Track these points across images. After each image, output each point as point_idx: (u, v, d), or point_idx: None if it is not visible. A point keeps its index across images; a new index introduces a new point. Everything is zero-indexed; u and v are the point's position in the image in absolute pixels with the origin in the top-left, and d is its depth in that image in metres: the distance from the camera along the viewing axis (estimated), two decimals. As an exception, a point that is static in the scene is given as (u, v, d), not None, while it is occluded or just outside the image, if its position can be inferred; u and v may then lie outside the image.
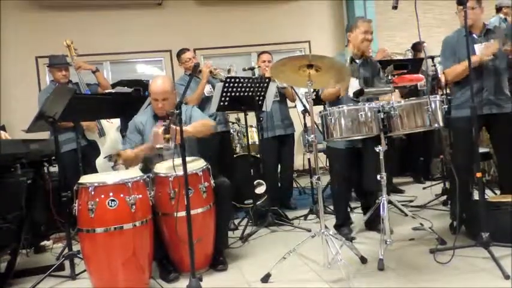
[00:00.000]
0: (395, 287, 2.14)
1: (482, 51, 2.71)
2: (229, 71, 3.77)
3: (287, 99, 4.12)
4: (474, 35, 2.80)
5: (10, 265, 2.68)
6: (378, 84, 2.97)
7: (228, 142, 4.22)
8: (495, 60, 2.73)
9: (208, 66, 3.78)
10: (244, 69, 3.78)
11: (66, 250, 2.71)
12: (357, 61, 3.03)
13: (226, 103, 3.48)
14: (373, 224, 3.02)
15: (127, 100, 3.34)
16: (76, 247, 2.69)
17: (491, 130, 2.90)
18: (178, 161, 2.25)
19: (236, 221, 3.58)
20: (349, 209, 3.38)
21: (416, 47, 4.71)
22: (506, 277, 2.07)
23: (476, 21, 2.77)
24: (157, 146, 2.50)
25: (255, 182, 3.59)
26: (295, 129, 4.20)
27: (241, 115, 4.06)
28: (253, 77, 3.54)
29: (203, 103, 3.79)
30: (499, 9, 4.72)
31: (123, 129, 3.67)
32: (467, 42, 2.35)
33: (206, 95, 3.83)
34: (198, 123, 2.75)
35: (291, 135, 4.14)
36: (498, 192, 3.18)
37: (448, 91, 3.60)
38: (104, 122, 3.76)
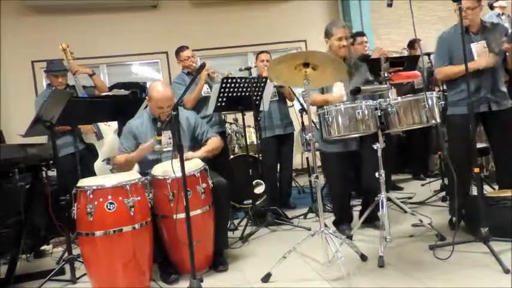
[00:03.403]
0: (395, 283, 2.15)
1: (477, 62, 2.69)
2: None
3: (286, 98, 4.13)
4: (471, 33, 2.80)
5: (10, 270, 2.67)
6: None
7: (224, 143, 4.20)
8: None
9: (207, 68, 3.77)
10: (240, 70, 3.78)
11: (66, 254, 2.70)
12: None
13: (223, 103, 3.48)
14: (370, 220, 3.02)
15: (124, 103, 3.34)
16: (76, 251, 2.68)
17: (488, 127, 2.90)
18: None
19: (236, 222, 3.59)
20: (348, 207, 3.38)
21: (412, 44, 4.72)
22: (506, 271, 2.08)
23: (473, 19, 2.77)
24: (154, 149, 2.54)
25: (253, 182, 3.59)
26: (294, 128, 4.20)
27: (239, 115, 4.06)
28: (250, 77, 3.54)
29: (200, 103, 3.79)
30: (491, 7, 4.74)
31: (120, 132, 3.67)
32: (463, 43, 2.35)
33: (203, 95, 3.83)
34: (208, 149, 2.84)
35: (290, 134, 4.14)
36: (496, 187, 3.19)
37: (445, 87, 3.60)
38: (101, 125, 3.75)
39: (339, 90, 2.85)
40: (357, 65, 3.10)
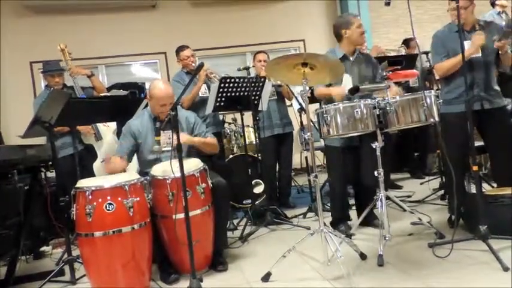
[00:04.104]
0: (395, 282, 2.15)
1: (470, 48, 2.69)
2: None
3: (285, 98, 4.13)
4: (465, 31, 2.80)
5: (10, 272, 2.67)
6: (377, 79, 2.99)
7: (221, 144, 4.18)
8: (485, 56, 2.74)
9: (205, 69, 3.78)
10: (239, 69, 3.78)
11: (66, 255, 2.71)
12: (351, 58, 3.03)
13: (222, 103, 3.48)
14: (369, 219, 3.02)
15: (123, 103, 3.34)
16: (76, 252, 2.68)
17: (482, 126, 2.90)
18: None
19: (235, 221, 3.58)
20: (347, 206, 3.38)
21: (408, 42, 4.73)
22: (505, 269, 2.08)
23: (467, 18, 2.78)
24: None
25: (253, 182, 3.59)
26: (293, 127, 4.21)
27: (238, 115, 4.06)
28: (249, 76, 3.54)
29: (198, 105, 3.80)
30: (493, 4, 4.77)
31: (119, 132, 3.66)
32: (461, 40, 2.35)
33: (200, 95, 3.83)
34: (207, 140, 2.87)
35: (289, 133, 4.14)
36: (495, 185, 3.19)
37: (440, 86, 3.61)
38: (100, 125, 3.74)
39: (347, 83, 2.83)
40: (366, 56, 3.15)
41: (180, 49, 4.00)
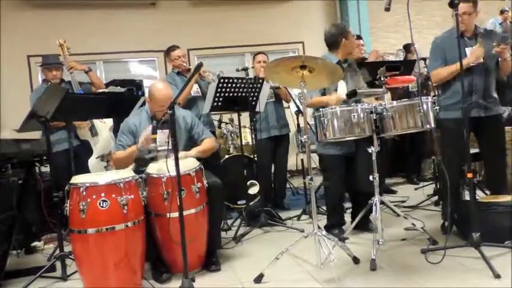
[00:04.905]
0: (387, 287, 2.16)
1: (469, 58, 2.71)
2: (218, 76, 3.75)
3: (282, 100, 4.13)
4: (465, 38, 2.82)
5: (0, 266, 2.65)
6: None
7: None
8: (485, 62, 2.75)
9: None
10: (237, 70, 3.78)
11: (58, 251, 2.69)
12: (344, 66, 3.04)
13: (219, 103, 3.47)
14: (363, 224, 3.03)
15: (120, 100, 3.33)
16: (68, 248, 2.66)
17: (479, 133, 2.91)
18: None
19: (229, 222, 3.58)
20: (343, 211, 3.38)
21: (408, 48, 4.76)
22: (497, 276, 2.09)
23: (469, 25, 2.80)
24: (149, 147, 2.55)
25: (248, 183, 3.59)
26: (290, 129, 4.21)
27: (235, 115, 4.05)
28: (247, 77, 3.54)
29: (189, 102, 3.79)
30: (502, 11, 4.87)
31: (115, 129, 3.65)
32: (459, 48, 2.36)
33: (192, 94, 3.83)
34: (206, 146, 2.88)
35: (286, 135, 4.14)
36: (488, 192, 3.21)
37: (439, 92, 3.63)
38: (96, 121, 3.74)
39: (342, 90, 2.83)
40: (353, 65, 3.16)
41: (170, 49, 3.95)
